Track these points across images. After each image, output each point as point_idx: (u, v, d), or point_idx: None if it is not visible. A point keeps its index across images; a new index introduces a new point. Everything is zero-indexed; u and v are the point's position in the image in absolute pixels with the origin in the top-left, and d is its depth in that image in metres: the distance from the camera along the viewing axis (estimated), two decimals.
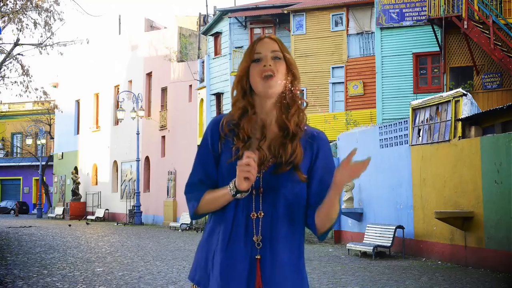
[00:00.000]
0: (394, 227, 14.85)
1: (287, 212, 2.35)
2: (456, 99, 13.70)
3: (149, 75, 35.73)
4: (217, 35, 28.93)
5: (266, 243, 2.32)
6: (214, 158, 2.42)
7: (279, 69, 2.37)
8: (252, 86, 2.39)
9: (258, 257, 2.31)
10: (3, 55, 20.87)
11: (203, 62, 30.05)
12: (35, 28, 19.10)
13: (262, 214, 2.33)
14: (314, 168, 2.40)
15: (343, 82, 24.41)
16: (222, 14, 28.19)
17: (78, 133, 44.23)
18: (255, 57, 2.38)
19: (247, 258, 2.31)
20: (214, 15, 32.48)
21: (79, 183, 40.97)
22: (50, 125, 49.01)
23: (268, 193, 2.34)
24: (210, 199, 2.39)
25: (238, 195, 2.29)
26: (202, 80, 29.93)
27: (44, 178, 46.51)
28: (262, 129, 2.39)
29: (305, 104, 2.43)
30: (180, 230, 26.84)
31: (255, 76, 2.36)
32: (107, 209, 37.75)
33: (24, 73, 20.56)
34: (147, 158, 35.27)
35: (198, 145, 30.14)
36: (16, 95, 22.06)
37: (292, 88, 2.39)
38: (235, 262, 2.32)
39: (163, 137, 33.68)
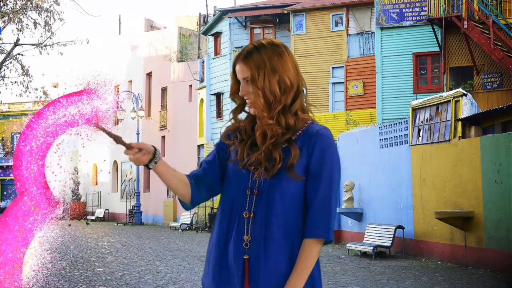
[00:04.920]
0: (394, 227, 14.85)
1: (283, 214, 2.34)
2: (456, 99, 13.70)
3: (149, 75, 35.74)
4: (217, 35, 28.92)
5: (255, 244, 2.33)
6: (218, 155, 2.52)
7: (249, 91, 2.41)
8: None
9: (246, 257, 2.32)
10: (3, 55, 20.84)
11: (203, 62, 30.05)
12: (35, 28, 19.08)
13: (253, 215, 2.35)
14: (310, 166, 2.37)
15: (343, 82, 24.41)
16: (222, 14, 28.19)
17: None
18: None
19: (238, 258, 2.33)
20: (214, 15, 32.48)
21: (79, 183, 40.97)
22: None
23: (263, 195, 2.36)
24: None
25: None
26: (202, 80, 29.94)
27: None
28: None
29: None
30: (180, 230, 26.83)
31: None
32: (107, 209, 37.76)
33: (24, 73, 20.54)
34: None
35: (198, 145, 30.23)
36: (16, 95, 21.98)
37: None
38: (226, 261, 2.36)
39: (163, 137, 33.69)
